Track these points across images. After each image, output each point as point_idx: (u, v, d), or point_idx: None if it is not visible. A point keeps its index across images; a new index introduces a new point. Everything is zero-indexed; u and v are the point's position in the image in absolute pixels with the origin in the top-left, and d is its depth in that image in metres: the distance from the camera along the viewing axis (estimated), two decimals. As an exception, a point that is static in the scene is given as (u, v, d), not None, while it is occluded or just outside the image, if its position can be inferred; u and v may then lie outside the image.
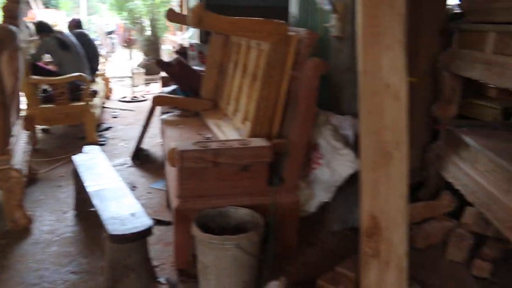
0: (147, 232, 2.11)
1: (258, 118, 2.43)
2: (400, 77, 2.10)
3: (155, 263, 2.46)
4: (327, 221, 2.70)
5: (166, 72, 4.31)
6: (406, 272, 2.13)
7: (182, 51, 5.96)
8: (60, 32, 5.16)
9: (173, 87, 4.18)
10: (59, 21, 10.62)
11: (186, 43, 6.69)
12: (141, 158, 4.16)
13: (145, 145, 4.32)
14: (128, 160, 4.18)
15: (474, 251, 2.49)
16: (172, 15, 3.77)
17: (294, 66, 2.42)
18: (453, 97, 2.91)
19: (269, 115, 2.42)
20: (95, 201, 2.34)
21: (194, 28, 5.65)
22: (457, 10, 3.39)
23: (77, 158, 3.02)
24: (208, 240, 2.04)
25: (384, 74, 2.09)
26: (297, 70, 2.39)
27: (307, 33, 2.39)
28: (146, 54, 9.96)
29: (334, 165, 2.48)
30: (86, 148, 3.23)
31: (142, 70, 8.30)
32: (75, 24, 6.03)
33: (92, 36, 6.59)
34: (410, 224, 2.70)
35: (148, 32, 10.17)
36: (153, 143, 4.50)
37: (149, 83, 8.23)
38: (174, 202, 2.30)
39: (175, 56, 5.02)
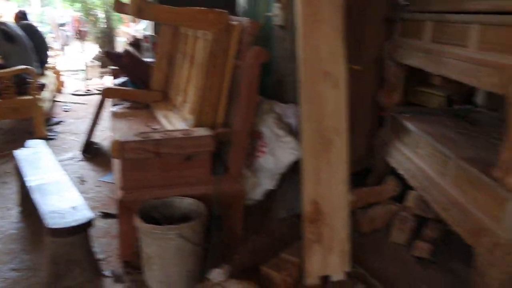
0: (88, 225, 2.07)
1: (202, 108, 2.43)
2: (340, 65, 2.14)
3: (101, 256, 2.43)
4: (275, 208, 2.73)
5: (115, 64, 4.22)
6: (349, 256, 2.19)
7: (136, 43, 5.86)
8: (4, 23, 4.96)
9: (123, 79, 4.10)
10: (5, 12, 10.17)
11: (140, 35, 6.58)
12: (91, 151, 4.07)
13: (96, 138, 4.22)
14: (78, 154, 4.09)
15: (416, 233, 2.58)
16: (119, 6, 3.68)
17: (237, 55, 2.42)
18: (397, 85, 2.98)
19: (213, 104, 2.42)
20: (35, 196, 2.28)
21: (138, 18, 5.57)
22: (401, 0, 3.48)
23: (19, 153, 2.92)
24: (151, 230, 2.03)
25: (324, 62, 2.12)
26: (240, 59, 2.39)
27: (250, 22, 2.40)
28: (101, 46, 9.72)
29: (277, 153, 2.51)
30: (29, 142, 3.13)
31: (97, 63, 8.12)
32: (21, 16, 5.82)
33: (44, 28, 6.36)
34: (356, 209, 2.78)
35: (103, 24, 9.93)
36: (104, 136, 4.41)
37: (103, 76, 8.04)
38: (118, 194, 2.27)
39: (128, 48, 4.92)
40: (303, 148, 2.09)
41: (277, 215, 2.71)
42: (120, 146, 2.16)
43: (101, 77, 7.90)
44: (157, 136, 2.21)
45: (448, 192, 2.18)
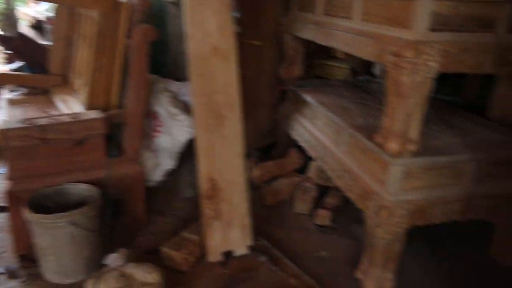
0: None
1: (94, 90, 2.33)
2: (229, 39, 2.13)
3: (-4, 252, 2.29)
4: (180, 188, 2.71)
5: (8, 48, 3.93)
6: (250, 230, 2.22)
7: (37, 25, 5.49)
8: None
9: (20, 63, 3.83)
10: None
11: (42, 16, 6.17)
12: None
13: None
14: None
15: (318, 202, 2.67)
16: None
17: (128, 34, 2.33)
18: (296, 58, 3.04)
19: (105, 86, 2.32)
20: None
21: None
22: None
23: None
24: (41, 220, 1.94)
25: (212, 37, 2.10)
26: (131, 38, 2.31)
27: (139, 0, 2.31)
28: (3, 29, 9.02)
29: (173, 132, 2.48)
30: None
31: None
32: None
33: None
34: (261, 183, 2.83)
35: (2, 5, 9.17)
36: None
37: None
38: (6, 185, 2.14)
39: (23, 30, 4.60)
40: (195, 123, 2.07)
41: (182, 195, 2.69)
42: (3, 134, 2.02)
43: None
44: (43, 121, 2.09)
45: (341, 160, 2.26)
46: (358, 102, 2.65)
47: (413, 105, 1.72)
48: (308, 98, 2.74)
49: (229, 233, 2.16)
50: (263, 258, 2.20)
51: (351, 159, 2.19)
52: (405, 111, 1.73)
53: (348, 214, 2.66)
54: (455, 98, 3.27)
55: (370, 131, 2.10)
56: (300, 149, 2.93)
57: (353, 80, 3.42)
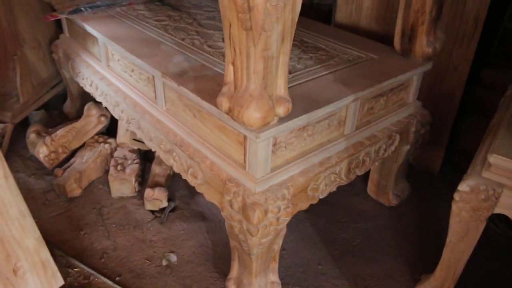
0: None
1: None
2: None
3: None
4: None
5: None
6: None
7: None
8: None
9: None
10: None
11: None
12: None
13: None
14: None
15: (143, 177, 1.91)
16: None
17: None
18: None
19: None
20: None
21: None
22: None
23: None
24: None
25: None
26: None
27: None
28: None
29: None
30: None
31: None
32: None
33: None
34: (54, 165, 1.93)
35: None
36: None
37: None
38: None
39: None
40: None
41: None
42: None
43: None
44: None
45: (166, 127, 1.49)
46: (170, 27, 1.82)
47: (276, 41, 1.00)
48: (94, 31, 1.79)
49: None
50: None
51: (183, 127, 1.44)
52: (262, 54, 1.00)
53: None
54: None
55: (206, 80, 1.36)
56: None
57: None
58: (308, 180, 1.31)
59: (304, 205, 1.34)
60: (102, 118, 2.03)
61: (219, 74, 1.40)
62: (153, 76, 1.49)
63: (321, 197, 1.39)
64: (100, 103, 1.96)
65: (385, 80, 1.43)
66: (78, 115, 2.32)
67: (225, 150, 1.29)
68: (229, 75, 1.09)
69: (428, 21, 1.48)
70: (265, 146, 1.16)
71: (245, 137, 1.18)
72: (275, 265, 1.44)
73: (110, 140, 2.02)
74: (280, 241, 1.37)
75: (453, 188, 1.26)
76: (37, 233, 1.32)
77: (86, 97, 2.33)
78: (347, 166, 1.43)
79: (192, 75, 1.40)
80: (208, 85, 1.33)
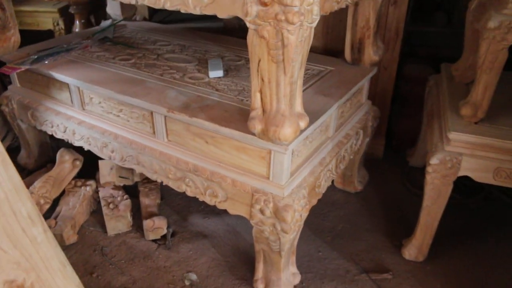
0: None
1: None
2: None
3: None
4: None
5: None
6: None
7: None
8: None
9: None
10: None
11: None
12: None
13: None
14: None
15: (135, 210, 1.98)
16: None
17: None
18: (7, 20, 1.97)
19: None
20: None
21: None
22: None
23: None
24: None
25: None
26: None
27: None
28: None
29: None
30: None
31: None
32: None
33: None
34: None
35: None
36: None
37: None
38: None
39: None
40: None
41: None
42: None
43: None
44: None
45: (173, 158, 1.62)
46: (141, 65, 1.92)
47: (298, 69, 1.23)
48: (67, 78, 1.82)
49: None
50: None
51: (193, 155, 1.58)
52: (290, 81, 1.23)
53: (179, 207, 2.10)
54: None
55: (211, 109, 1.53)
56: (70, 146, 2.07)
57: (88, 31, 2.55)
58: (314, 179, 1.55)
59: (314, 201, 1.59)
60: (77, 162, 2.05)
61: (218, 102, 1.58)
62: (151, 113, 1.62)
63: (322, 192, 1.64)
64: (72, 148, 1.99)
65: (353, 87, 1.73)
66: (37, 164, 2.30)
67: (245, 167, 1.47)
68: (257, 102, 1.29)
69: (372, 34, 1.81)
70: (288, 157, 1.38)
71: (269, 152, 1.38)
72: (293, 258, 1.65)
73: (90, 182, 2.05)
74: (298, 236, 1.58)
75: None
76: (77, 280, 1.38)
77: (43, 145, 2.32)
78: (336, 162, 1.71)
79: (196, 106, 1.55)
80: (217, 113, 1.50)
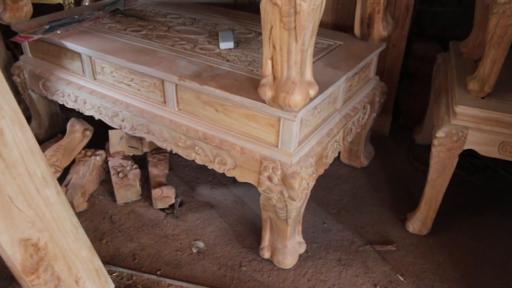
0: None
1: None
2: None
3: None
4: None
5: None
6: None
7: None
8: None
9: None
10: None
11: None
12: None
13: None
14: None
15: (144, 179, 2.02)
16: None
17: None
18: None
19: None
20: None
21: None
22: None
23: None
24: None
25: None
26: None
27: None
28: None
29: None
30: None
31: None
32: None
33: None
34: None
35: None
36: None
37: None
38: None
39: None
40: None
41: None
42: None
43: None
44: None
45: (184, 126, 1.65)
46: (152, 36, 1.94)
47: (309, 37, 1.24)
48: (79, 47, 1.85)
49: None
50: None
51: (203, 123, 1.61)
52: (301, 48, 1.24)
53: (187, 178, 2.13)
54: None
55: (221, 78, 1.55)
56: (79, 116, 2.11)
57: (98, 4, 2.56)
58: (322, 149, 1.58)
59: (321, 171, 1.61)
60: (87, 132, 2.08)
61: (229, 71, 1.60)
62: (162, 81, 1.64)
63: (329, 162, 1.67)
64: (83, 117, 2.02)
65: (361, 61, 1.74)
66: (48, 134, 2.33)
67: (254, 135, 1.50)
68: (268, 69, 1.31)
69: (382, 9, 1.82)
70: (297, 124, 1.40)
71: (279, 119, 1.40)
72: (299, 227, 1.69)
73: (100, 151, 2.09)
74: (304, 204, 1.61)
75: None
76: (88, 243, 1.42)
77: (53, 116, 2.35)
78: (343, 134, 1.73)
79: (206, 75, 1.57)
80: (227, 82, 1.52)
